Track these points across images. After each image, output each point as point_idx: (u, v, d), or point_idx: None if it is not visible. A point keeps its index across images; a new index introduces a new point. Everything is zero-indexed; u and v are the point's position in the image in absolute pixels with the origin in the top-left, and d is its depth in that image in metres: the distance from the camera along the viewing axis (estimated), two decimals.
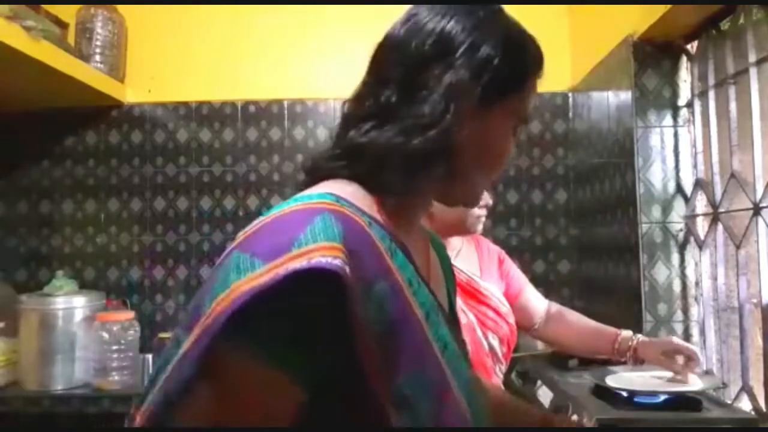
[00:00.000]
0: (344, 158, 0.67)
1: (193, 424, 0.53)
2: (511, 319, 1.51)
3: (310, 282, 0.52)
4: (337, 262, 0.53)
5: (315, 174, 0.69)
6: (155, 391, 0.55)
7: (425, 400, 0.59)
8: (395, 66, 0.68)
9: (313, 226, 0.55)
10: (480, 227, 1.49)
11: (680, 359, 1.43)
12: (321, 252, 0.53)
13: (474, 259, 1.58)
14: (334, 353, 0.55)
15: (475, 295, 1.46)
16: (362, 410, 0.56)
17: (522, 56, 0.70)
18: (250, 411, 0.53)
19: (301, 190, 0.68)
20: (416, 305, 0.62)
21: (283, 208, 0.59)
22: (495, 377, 1.45)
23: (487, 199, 1.43)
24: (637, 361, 1.50)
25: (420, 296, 0.64)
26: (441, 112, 0.64)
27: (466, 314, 1.40)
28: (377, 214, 0.65)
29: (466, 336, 1.33)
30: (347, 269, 0.54)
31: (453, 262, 1.43)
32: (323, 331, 0.54)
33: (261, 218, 0.60)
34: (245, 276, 0.53)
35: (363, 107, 0.68)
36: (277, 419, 0.54)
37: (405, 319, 0.60)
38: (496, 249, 1.67)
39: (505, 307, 1.51)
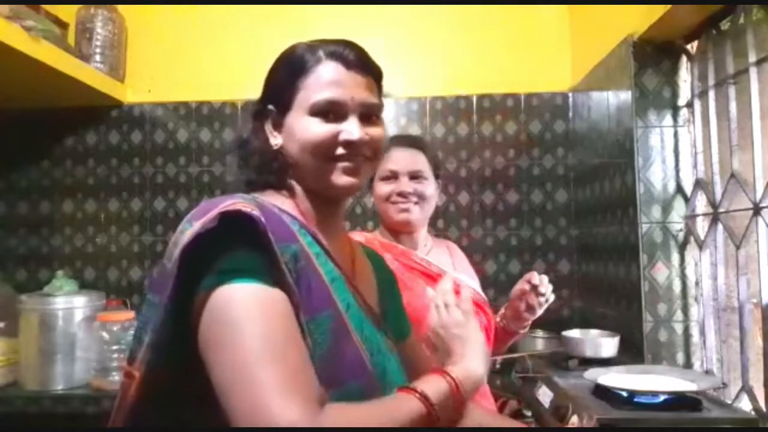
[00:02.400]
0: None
1: (228, 350, 0.67)
2: (488, 310, 1.56)
3: (234, 223, 0.72)
4: (255, 212, 0.74)
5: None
6: (144, 347, 0.73)
7: (326, 338, 0.77)
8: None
9: (234, 199, 0.77)
10: (405, 216, 1.50)
11: (527, 286, 1.51)
12: (241, 204, 0.75)
13: (445, 257, 1.63)
14: (269, 277, 0.72)
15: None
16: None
17: (278, 67, 0.91)
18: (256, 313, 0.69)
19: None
20: (321, 270, 0.81)
21: (209, 199, 0.81)
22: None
23: (401, 186, 1.49)
24: (508, 318, 1.58)
25: (326, 267, 0.83)
26: (252, 131, 0.94)
27: None
28: (293, 211, 0.86)
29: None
30: (263, 219, 0.73)
31: (425, 256, 1.53)
32: (254, 259, 0.72)
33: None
34: (186, 233, 0.74)
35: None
36: (288, 317, 0.72)
37: (311, 274, 0.79)
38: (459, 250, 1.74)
39: (481, 298, 1.56)
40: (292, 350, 0.68)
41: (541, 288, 1.51)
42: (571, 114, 2.39)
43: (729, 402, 1.55)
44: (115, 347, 1.89)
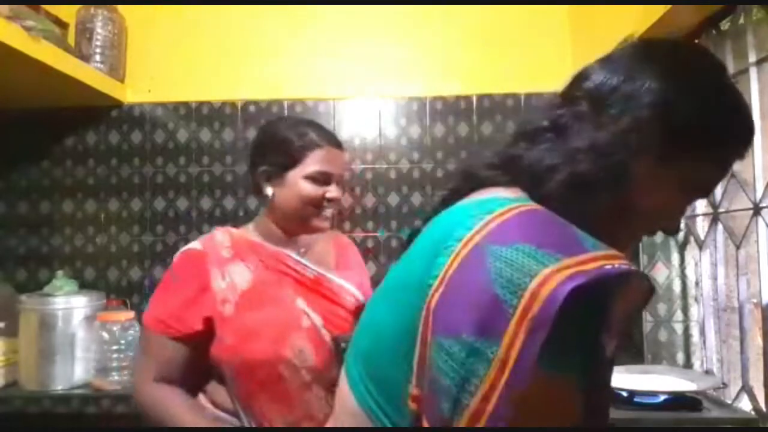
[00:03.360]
0: (505, 168, 0.69)
1: None
2: None
3: (612, 286, 0.51)
4: (633, 268, 0.53)
5: (471, 181, 0.71)
6: (472, 413, 0.51)
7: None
8: (584, 91, 0.71)
9: (573, 228, 0.56)
10: (326, 225, 1.38)
11: None
12: (622, 260, 0.53)
13: (328, 255, 1.49)
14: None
15: (325, 294, 1.37)
16: None
17: (723, 122, 0.66)
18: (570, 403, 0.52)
19: (453, 194, 0.71)
20: None
21: (502, 208, 0.59)
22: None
23: (333, 192, 1.36)
24: None
25: None
26: (620, 144, 0.64)
27: (309, 316, 1.32)
28: None
29: (307, 341, 1.29)
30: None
31: (298, 259, 1.38)
32: (600, 333, 0.53)
33: (482, 216, 0.59)
34: (552, 264, 0.50)
35: (536, 122, 0.71)
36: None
37: None
38: (350, 243, 1.62)
39: (361, 303, 1.41)
40: None
41: None
42: None
43: (729, 402, 1.55)
44: (115, 347, 1.89)
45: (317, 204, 1.36)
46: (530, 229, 0.55)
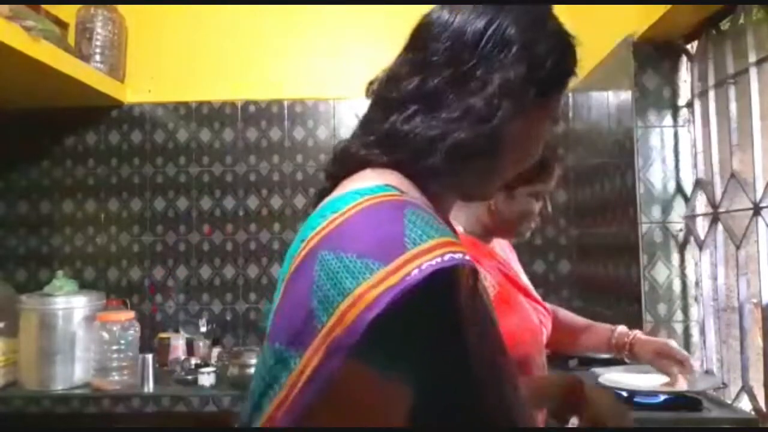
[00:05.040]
0: (382, 145, 0.65)
1: None
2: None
3: (445, 280, 0.51)
4: (467, 257, 0.53)
5: (347, 162, 0.67)
6: (266, 419, 0.53)
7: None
8: (445, 52, 0.65)
9: (409, 221, 0.54)
10: (528, 234, 1.37)
11: (673, 363, 1.38)
12: (445, 248, 0.52)
13: (511, 254, 1.51)
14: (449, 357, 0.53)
15: (532, 296, 1.38)
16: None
17: (569, 56, 0.69)
18: (370, 420, 0.52)
19: (333, 179, 0.67)
20: (485, 296, 0.63)
21: (350, 204, 0.58)
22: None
23: (548, 207, 1.34)
24: (633, 357, 1.46)
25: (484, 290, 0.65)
26: (495, 107, 0.63)
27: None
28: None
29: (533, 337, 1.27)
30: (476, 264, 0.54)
31: (513, 264, 1.37)
32: (452, 331, 0.53)
33: (327, 216, 0.58)
34: (366, 280, 0.50)
35: (403, 89, 0.66)
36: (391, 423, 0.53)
37: (488, 309, 0.60)
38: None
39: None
40: None
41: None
42: (571, 114, 2.39)
43: (729, 402, 1.55)
44: (114, 347, 1.89)
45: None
46: (361, 233, 0.55)
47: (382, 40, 2.32)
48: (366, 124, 0.69)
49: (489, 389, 0.55)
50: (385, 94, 0.68)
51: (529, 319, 1.26)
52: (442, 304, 0.52)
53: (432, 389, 0.53)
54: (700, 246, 1.75)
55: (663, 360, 1.37)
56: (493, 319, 0.58)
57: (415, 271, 0.50)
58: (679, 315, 1.78)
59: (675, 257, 1.79)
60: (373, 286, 0.50)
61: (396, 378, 0.52)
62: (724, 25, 1.66)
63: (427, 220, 0.55)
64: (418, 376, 0.52)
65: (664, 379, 1.48)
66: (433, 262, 0.50)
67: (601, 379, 1.47)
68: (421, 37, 0.69)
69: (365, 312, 0.49)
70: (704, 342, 1.75)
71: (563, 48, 0.68)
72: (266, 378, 0.54)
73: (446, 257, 0.51)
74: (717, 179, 1.70)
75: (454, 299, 0.52)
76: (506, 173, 0.70)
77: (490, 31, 0.64)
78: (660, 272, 1.79)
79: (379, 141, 0.65)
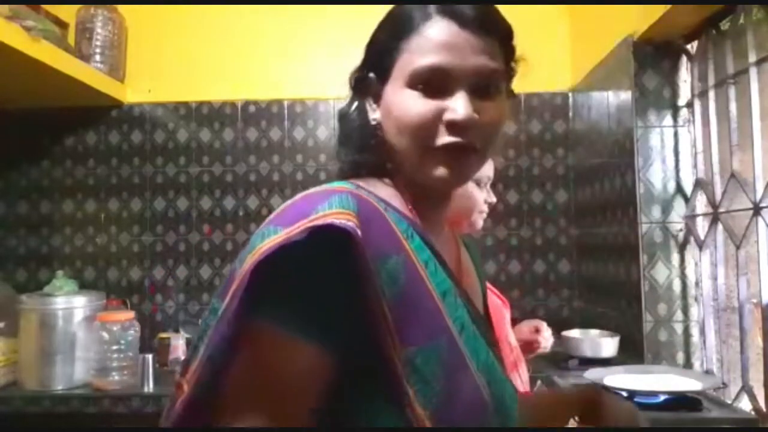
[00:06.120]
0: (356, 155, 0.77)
1: (235, 389, 0.58)
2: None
3: (324, 239, 0.58)
4: (350, 224, 0.59)
5: (341, 175, 0.77)
6: (198, 359, 0.61)
7: (439, 376, 0.62)
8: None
9: (331, 200, 0.61)
10: (481, 224, 1.43)
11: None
12: (335, 215, 0.59)
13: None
14: (349, 314, 0.59)
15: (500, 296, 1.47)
16: (383, 383, 0.60)
17: (387, 25, 0.75)
18: (278, 365, 0.58)
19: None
20: (431, 284, 0.65)
21: (307, 191, 0.66)
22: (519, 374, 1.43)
23: (492, 197, 1.41)
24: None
25: (437, 277, 0.67)
26: (351, 104, 0.77)
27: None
28: (398, 204, 0.71)
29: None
30: (359, 232, 0.59)
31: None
32: (337, 287, 0.59)
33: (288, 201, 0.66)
34: (270, 237, 0.59)
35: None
36: (306, 377, 0.59)
37: (418, 293, 0.64)
38: None
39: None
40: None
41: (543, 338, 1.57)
42: (571, 114, 2.39)
43: (729, 402, 1.55)
44: (115, 347, 1.89)
45: None
46: (286, 209, 0.63)
47: None
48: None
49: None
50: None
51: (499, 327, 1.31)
52: (307, 258, 0.59)
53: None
54: (700, 246, 1.75)
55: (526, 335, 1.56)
56: (355, 294, 0.59)
57: (297, 230, 0.58)
58: (679, 315, 1.78)
59: (675, 257, 1.80)
60: (270, 242, 0.59)
61: (278, 325, 0.58)
62: (724, 25, 1.66)
63: (347, 201, 0.62)
64: (299, 326, 0.58)
65: (664, 379, 1.49)
66: (312, 224, 0.58)
67: (607, 380, 1.47)
68: None
69: (255, 259, 0.58)
70: (704, 342, 1.75)
71: (382, 23, 0.76)
72: (202, 326, 0.64)
73: (328, 220, 0.58)
74: (717, 179, 1.70)
75: (318, 255, 0.59)
76: (400, 141, 0.70)
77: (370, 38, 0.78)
78: (660, 272, 1.79)
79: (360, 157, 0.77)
